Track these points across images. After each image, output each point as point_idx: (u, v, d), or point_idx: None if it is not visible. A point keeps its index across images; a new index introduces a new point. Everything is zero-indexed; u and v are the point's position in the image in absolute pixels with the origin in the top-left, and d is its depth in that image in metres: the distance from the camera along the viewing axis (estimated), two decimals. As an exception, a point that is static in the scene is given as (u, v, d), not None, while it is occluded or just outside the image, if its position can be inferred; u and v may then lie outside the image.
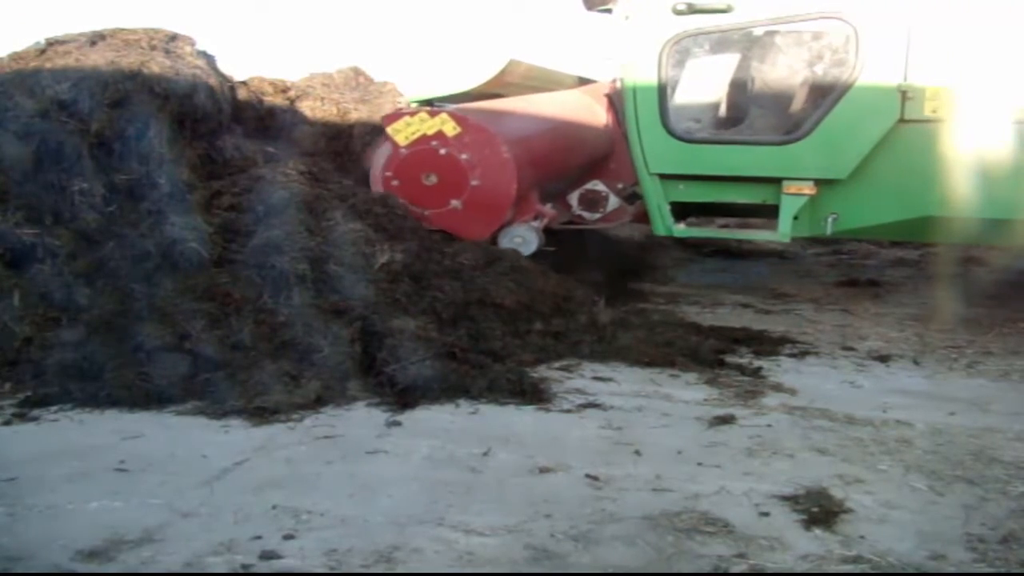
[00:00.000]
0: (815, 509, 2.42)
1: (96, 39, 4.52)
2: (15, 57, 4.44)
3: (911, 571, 2.14)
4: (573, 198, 5.42)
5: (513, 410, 3.20)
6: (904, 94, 4.05)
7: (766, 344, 4.02)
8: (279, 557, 2.17)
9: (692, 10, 4.22)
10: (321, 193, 4.19)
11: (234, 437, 2.93)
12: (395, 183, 4.50)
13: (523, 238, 4.52)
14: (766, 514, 2.41)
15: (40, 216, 3.82)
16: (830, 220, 4.30)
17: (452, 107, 4.61)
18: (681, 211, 4.64)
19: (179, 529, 2.30)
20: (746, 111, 4.64)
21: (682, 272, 5.71)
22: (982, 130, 3.97)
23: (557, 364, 3.68)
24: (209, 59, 4.76)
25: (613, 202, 5.38)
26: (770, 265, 6.03)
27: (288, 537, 2.26)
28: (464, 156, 4.43)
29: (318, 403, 3.18)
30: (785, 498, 2.50)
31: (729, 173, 4.39)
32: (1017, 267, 5.24)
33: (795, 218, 4.29)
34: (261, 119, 4.93)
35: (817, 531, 2.32)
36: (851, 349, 4.01)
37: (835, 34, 4.25)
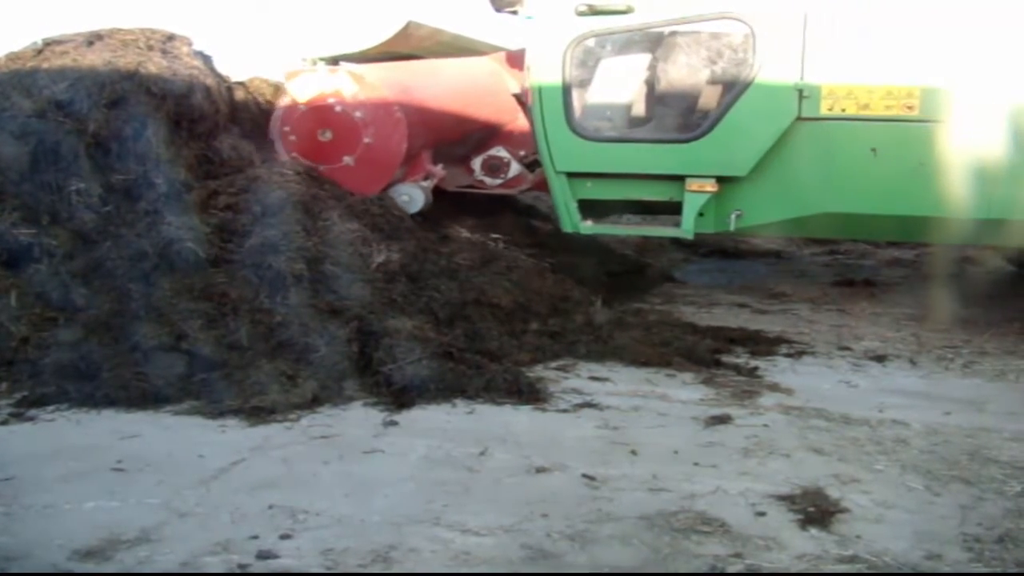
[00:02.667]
0: (811, 509, 2.42)
1: (93, 39, 4.50)
2: (12, 57, 4.42)
3: (907, 571, 2.15)
4: (476, 163, 5.46)
5: (510, 410, 3.20)
6: (801, 92, 4.07)
7: (762, 344, 4.02)
8: (276, 557, 2.17)
9: (593, 11, 4.24)
10: (317, 193, 4.19)
11: (231, 437, 2.93)
12: (292, 138, 4.57)
13: (409, 196, 4.58)
14: (762, 514, 2.41)
15: (37, 216, 3.82)
16: (733, 217, 4.33)
17: (353, 66, 4.66)
18: (603, 209, 4.67)
19: (176, 529, 2.31)
20: (650, 110, 4.67)
21: (678, 272, 5.72)
22: (878, 127, 4.02)
23: (553, 364, 3.69)
24: (206, 59, 4.74)
25: (515, 168, 5.42)
26: (766, 265, 6.03)
27: (285, 537, 2.27)
28: (359, 114, 4.50)
29: (315, 403, 3.18)
30: (781, 498, 2.50)
31: (633, 171, 4.41)
32: (1014, 268, 5.24)
33: (701, 215, 4.33)
34: (259, 119, 4.92)
35: (813, 531, 2.33)
36: (847, 349, 4.01)
37: (733, 34, 4.30)
